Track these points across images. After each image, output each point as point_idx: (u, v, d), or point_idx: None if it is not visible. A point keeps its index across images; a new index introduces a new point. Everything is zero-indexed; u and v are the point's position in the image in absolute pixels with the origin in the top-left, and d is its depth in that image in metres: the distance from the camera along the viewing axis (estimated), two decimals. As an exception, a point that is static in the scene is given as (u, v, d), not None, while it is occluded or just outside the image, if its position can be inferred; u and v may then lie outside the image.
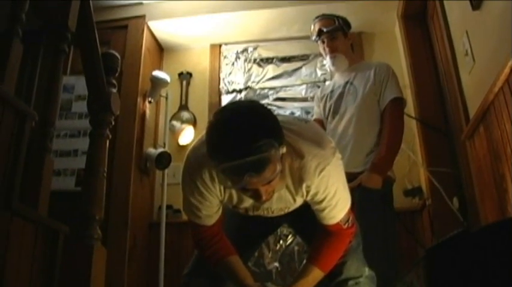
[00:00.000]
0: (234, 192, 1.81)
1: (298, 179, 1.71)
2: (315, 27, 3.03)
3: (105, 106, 2.28)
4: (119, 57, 2.45)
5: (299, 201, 1.84)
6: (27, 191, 1.84)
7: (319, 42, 3.02)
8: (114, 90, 2.37)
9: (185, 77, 4.58)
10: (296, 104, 4.40)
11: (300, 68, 4.50)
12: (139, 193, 4.04)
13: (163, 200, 4.04)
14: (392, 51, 4.38)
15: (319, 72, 4.44)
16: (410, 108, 3.97)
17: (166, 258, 3.86)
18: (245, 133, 1.45)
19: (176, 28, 4.56)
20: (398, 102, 2.78)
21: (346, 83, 2.92)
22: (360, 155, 2.76)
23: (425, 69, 3.85)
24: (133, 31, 4.43)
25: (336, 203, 1.77)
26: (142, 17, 4.46)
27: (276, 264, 3.87)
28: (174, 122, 4.39)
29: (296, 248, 3.84)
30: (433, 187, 3.43)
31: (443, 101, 3.68)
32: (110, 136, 2.33)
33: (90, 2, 2.19)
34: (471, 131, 2.46)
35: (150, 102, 4.30)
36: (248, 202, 1.84)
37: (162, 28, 4.58)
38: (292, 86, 4.47)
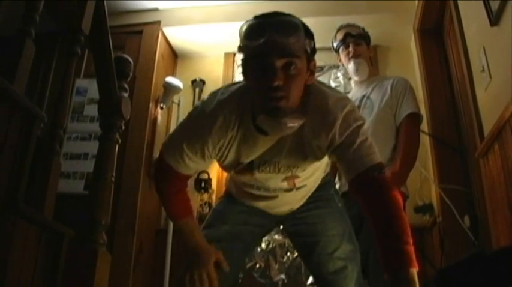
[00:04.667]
0: (243, 144, 1.72)
1: (325, 121, 1.64)
2: (340, 33, 2.98)
3: (115, 110, 2.27)
4: (131, 61, 2.44)
5: (311, 156, 1.75)
6: (33, 193, 1.83)
7: (341, 48, 2.94)
8: (126, 94, 2.36)
9: (198, 84, 4.57)
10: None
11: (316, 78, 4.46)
12: (148, 199, 4.03)
13: (172, 207, 4.01)
14: (408, 65, 4.35)
15: (333, 84, 4.41)
16: (423, 123, 3.91)
17: (172, 265, 3.85)
18: (278, 12, 1.57)
19: (191, 35, 4.57)
20: (415, 118, 2.73)
21: (363, 96, 2.87)
22: None
23: (440, 85, 3.81)
24: (148, 37, 4.44)
25: (367, 139, 1.66)
26: (158, 23, 4.48)
27: (283, 276, 3.83)
28: (186, 129, 4.37)
29: (303, 260, 3.80)
30: (444, 204, 3.38)
31: (458, 118, 3.64)
32: (120, 141, 2.32)
33: (105, 5, 2.18)
34: (485, 148, 2.42)
35: (162, 108, 4.30)
36: (256, 155, 1.75)
37: (177, 35, 4.59)
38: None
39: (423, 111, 3.91)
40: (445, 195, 3.37)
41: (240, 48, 1.62)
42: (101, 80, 2.27)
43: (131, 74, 2.44)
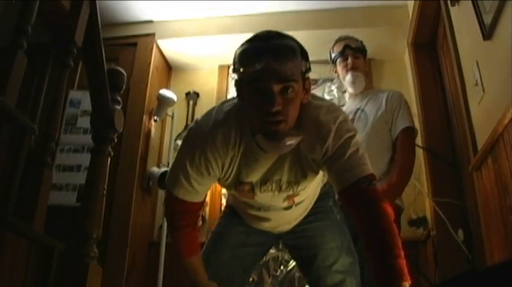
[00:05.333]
0: (244, 162, 1.72)
1: (320, 134, 1.65)
2: (338, 44, 2.99)
3: (108, 123, 2.25)
4: (125, 74, 2.42)
5: (310, 171, 1.75)
6: (23, 205, 1.80)
7: (339, 59, 2.96)
8: (119, 107, 2.34)
9: (192, 97, 4.57)
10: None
11: (311, 91, 4.47)
12: (141, 212, 4.01)
13: (165, 220, 3.99)
14: (401, 79, 4.36)
15: (327, 97, 4.41)
16: (417, 137, 3.94)
17: (165, 278, 3.83)
18: (273, 33, 1.57)
19: (185, 47, 4.58)
20: (410, 132, 2.75)
21: (357, 109, 2.88)
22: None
23: (434, 98, 3.82)
24: (142, 49, 4.45)
25: (359, 150, 1.66)
26: (152, 35, 4.49)
27: (276, 290, 3.81)
28: (179, 142, 4.36)
29: (297, 274, 3.78)
30: (438, 217, 3.37)
31: (451, 131, 3.64)
32: (112, 153, 2.29)
33: (99, 17, 2.17)
34: (479, 162, 2.41)
35: (155, 120, 4.29)
36: (258, 173, 1.76)
37: (171, 47, 4.59)
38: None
39: (417, 124, 3.91)
40: (439, 209, 3.36)
41: (235, 71, 1.62)
42: (93, 93, 2.26)
43: (124, 86, 2.42)
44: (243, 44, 1.59)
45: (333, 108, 1.75)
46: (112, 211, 3.81)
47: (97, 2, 2.16)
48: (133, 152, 4.04)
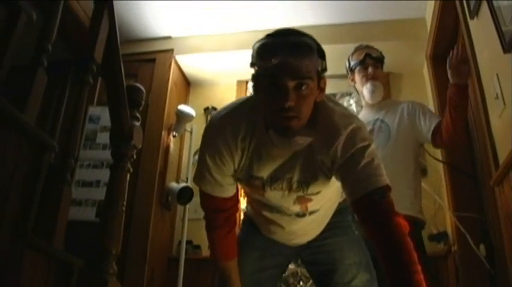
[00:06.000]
0: (256, 156, 1.74)
1: (329, 137, 1.66)
2: (359, 53, 2.99)
3: (127, 139, 2.27)
4: (143, 90, 2.45)
5: (321, 173, 1.74)
6: (43, 222, 1.81)
7: (358, 68, 2.95)
8: (138, 123, 2.36)
9: (211, 112, 4.57)
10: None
11: (332, 104, 4.46)
12: (160, 227, 4.02)
13: (184, 236, 4.00)
14: (420, 92, 4.33)
15: (355, 107, 4.40)
16: (437, 151, 3.90)
17: (184, 294, 3.81)
18: (292, 30, 1.59)
19: (203, 63, 4.61)
20: None
21: (376, 120, 2.87)
22: (398, 196, 2.69)
23: (454, 112, 3.78)
24: (161, 64, 4.48)
25: (374, 161, 1.64)
26: (171, 51, 4.52)
27: (296, 306, 3.78)
28: (198, 157, 4.37)
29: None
30: (459, 232, 3.32)
31: (472, 145, 3.60)
32: (131, 169, 2.31)
33: (118, 34, 2.19)
34: (500, 177, 2.37)
35: (174, 136, 4.31)
36: (269, 169, 1.77)
37: (189, 63, 4.63)
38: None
39: (436, 138, 3.89)
40: (460, 223, 3.31)
41: (253, 65, 1.65)
42: (112, 109, 2.28)
43: (143, 102, 2.44)
44: (261, 39, 1.61)
45: (348, 114, 1.75)
46: (131, 226, 3.82)
47: (116, 17, 2.17)
48: (152, 167, 4.06)
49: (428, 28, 4.04)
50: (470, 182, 3.53)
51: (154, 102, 4.29)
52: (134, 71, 4.47)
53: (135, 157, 2.33)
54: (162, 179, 4.11)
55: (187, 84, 4.87)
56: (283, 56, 1.50)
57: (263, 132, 1.69)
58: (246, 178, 1.83)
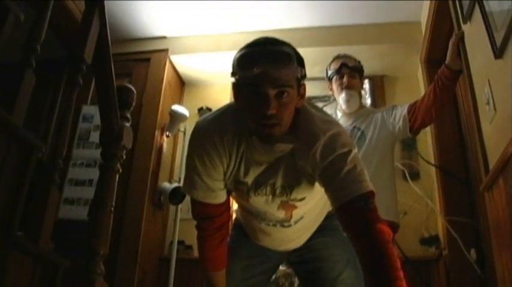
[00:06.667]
0: (243, 160, 1.76)
1: (308, 142, 1.67)
2: (335, 62, 3.03)
3: (116, 140, 2.26)
4: (134, 91, 2.44)
5: (303, 178, 1.75)
6: (29, 223, 1.81)
7: (335, 78, 3.00)
8: (128, 124, 2.36)
9: (205, 112, 4.54)
10: (314, 146, 4.33)
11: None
12: (151, 227, 4.01)
13: (175, 236, 4.00)
14: (415, 95, 4.25)
15: (339, 114, 4.38)
16: (430, 154, 3.91)
17: (175, 294, 3.81)
18: (271, 39, 1.62)
19: (198, 63, 4.60)
20: None
21: (354, 127, 2.92)
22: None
23: (447, 116, 3.77)
24: (156, 64, 4.47)
25: (357, 167, 1.63)
26: (165, 50, 4.52)
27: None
28: (192, 158, 4.36)
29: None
30: (450, 236, 3.33)
31: (465, 149, 3.60)
32: (120, 170, 2.30)
33: (108, 34, 2.18)
34: (490, 182, 2.37)
35: (167, 136, 4.30)
36: (253, 175, 1.78)
37: (184, 63, 4.62)
38: (312, 127, 4.40)
39: (429, 142, 3.90)
40: (452, 227, 3.32)
41: (233, 74, 1.66)
42: (102, 110, 2.27)
43: (134, 103, 2.43)
44: (241, 49, 1.63)
45: (327, 119, 1.76)
46: (122, 226, 3.82)
47: (107, 18, 2.17)
48: (145, 167, 4.05)
49: (423, 31, 4.04)
50: (462, 187, 3.54)
51: (148, 101, 4.28)
52: (129, 71, 4.47)
53: (124, 157, 2.32)
54: (154, 179, 4.11)
55: (182, 84, 4.86)
56: (264, 66, 1.52)
57: (247, 138, 1.71)
58: (232, 182, 1.84)
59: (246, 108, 1.64)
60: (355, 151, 1.70)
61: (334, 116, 4.23)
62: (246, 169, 1.77)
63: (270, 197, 1.83)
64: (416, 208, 3.68)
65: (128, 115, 2.38)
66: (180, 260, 3.94)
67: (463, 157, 3.62)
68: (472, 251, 3.17)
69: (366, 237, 1.55)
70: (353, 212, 1.59)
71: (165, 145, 4.29)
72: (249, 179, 1.80)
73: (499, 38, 2.24)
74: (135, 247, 3.79)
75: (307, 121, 1.71)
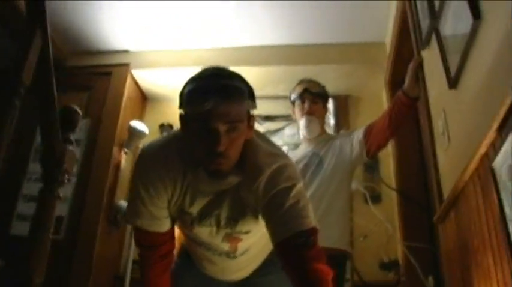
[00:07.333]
0: (188, 190, 1.71)
1: (252, 176, 1.64)
2: (299, 87, 3.02)
3: (58, 163, 2.16)
4: (79, 113, 2.34)
5: (248, 210, 1.72)
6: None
7: (297, 102, 3.00)
8: (71, 147, 2.26)
9: (166, 129, 4.47)
10: (275, 166, 4.28)
11: (283, 128, 4.44)
12: (107, 245, 3.91)
13: (130, 254, 3.90)
14: (378, 116, 4.29)
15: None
16: (391, 178, 3.87)
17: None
18: (221, 72, 1.56)
19: (161, 79, 4.53)
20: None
21: (313, 154, 2.90)
22: (326, 231, 2.69)
23: (409, 139, 3.76)
24: (117, 79, 4.39)
25: (300, 202, 1.60)
26: (127, 65, 4.42)
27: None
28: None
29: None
30: (408, 262, 3.29)
31: (426, 173, 3.57)
32: (61, 196, 2.20)
33: (51, 54, 2.08)
34: (443, 214, 2.33)
35: (126, 153, 4.20)
36: (198, 206, 1.73)
37: (146, 77, 4.55)
38: (273, 147, 4.34)
39: (391, 165, 3.87)
40: (410, 253, 3.28)
41: (181, 106, 1.61)
42: (43, 132, 2.17)
43: (79, 124, 2.34)
44: (190, 81, 1.58)
45: (274, 152, 1.72)
46: (77, 241, 3.73)
47: (49, 37, 2.07)
48: (101, 183, 3.96)
49: (388, 53, 4.02)
50: (422, 211, 3.50)
51: (108, 116, 4.19)
52: (90, 84, 4.39)
53: (66, 181, 2.22)
54: (111, 196, 4.01)
55: (144, 99, 4.78)
56: (215, 101, 1.47)
57: (193, 169, 1.66)
58: (177, 212, 1.79)
59: (194, 142, 1.59)
60: (300, 184, 1.67)
61: (297, 137, 4.24)
62: (191, 199, 1.73)
63: (215, 228, 1.78)
64: (376, 231, 3.63)
65: (72, 137, 2.28)
66: (135, 280, 3.83)
67: (424, 181, 3.59)
68: (430, 279, 3.13)
69: (303, 276, 1.52)
70: (291, 250, 1.55)
71: (123, 162, 4.20)
72: (194, 210, 1.75)
73: (453, 67, 2.19)
74: (89, 264, 3.69)
75: (252, 154, 1.67)
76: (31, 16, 2.07)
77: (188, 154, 1.67)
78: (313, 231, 1.58)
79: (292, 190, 1.60)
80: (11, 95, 1.94)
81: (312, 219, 1.61)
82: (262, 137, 1.81)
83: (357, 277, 3.54)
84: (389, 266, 3.69)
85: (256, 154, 1.67)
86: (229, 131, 1.52)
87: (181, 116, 1.65)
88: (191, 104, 1.54)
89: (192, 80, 1.58)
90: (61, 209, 3.74)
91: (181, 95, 1.60)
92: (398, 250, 3.70)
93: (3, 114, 1.95)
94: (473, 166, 1.85)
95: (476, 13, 1.83)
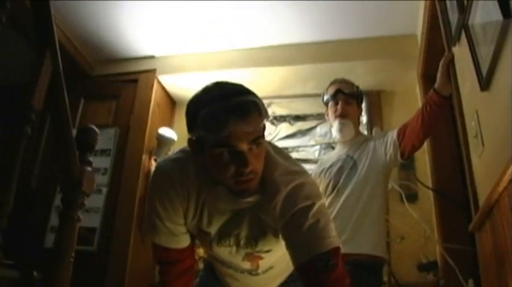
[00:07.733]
0: (205, 209, 1.67)
1: (269, 195, 1.58)
2: (332, 87, 2.94)
3: (76, 186, 2.13)
4: (97, 132, 2.30)
5: (270, 232, 1.66)
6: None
7: (330, 103, 2.92)
8: (89, 168, 2.22)
9: (197, 133, 4.42)
10: (308, 167, 4.18)
11: (315, 127, 4.33)
12: (140, 254, 3.89)
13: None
14: (413, 111, 4.11)
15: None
16: (427, 177, 3.73)
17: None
18: (234, 90, 1.48)
19: (188, 82, 4.48)
20: None
21: (347, 156, 2.79)
22: (361, 236, 2.60)
23: (445, 136, 3.60)
24: (144, 85, 4.36)
25: (320, 222, 1.52)
26: (153, 71, 4.39)
27: None
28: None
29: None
30: (447, 264, 3.15)
31: (464, 172, 3.40)
32: (81, 218, 2.17)
33: (62, 76, 2.04)
34: (478, 224, 2.20)
35: (155, 160, 4.16)
36: (216, 225, 1.69)
37: (173, 82, 4.51)
38: (305, 146, 4.26)
39: (427, 162, 3.72)
40: (449, 255, 3.15)
41: (192, 131, 1.53)
42: (60, 155, 2.14)
43: (96, 144, 2.30)
44: (201, 105, 1.47)
45: (291, 170, 1.65)
46: (110, 251, 3.73)
47: (60, 59, 2.03)
48: (132, 192, 3.94)
49: (419, 45, 3.86)
50: (461, 212, 3.35)
51: (136, 124, 4.17)
52: (117, 92, 4.37)
53: (86, 204, 2.18)
54: (142, 204, 3.98)
55: (173, 104, 4.74)
56: (234, 124, 1.40)
57: (211, 187, 1.60)
58: (195, 230, 1.76)
59: (215, 166, 1.52)
60: (320, 202, 1.59)
61: (329, 136, 4.13)
62: (208, 218, 1.68)
63: (234, 248, 1.73)
64: (413, 232, 3.51)
65: (90, 159, 2.24)
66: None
67: (462, 180, 3.43)
68: (470, 282, 3.00)
69: None
70: (312, 274, 1.47)
71: (153, 169, 4.16)
72: (212, 230, 1.71)
73: (484, 68, 2.05)
74: (122, 274, 3.68)
75: (270, 171, 1.60)
76: (40, 37, 2.04)
77: (203, 172, 1.62)
78: (334, 252, 1.50)
79: (311, 209, 1.53)
80: (22, 121, 1.91)
81: (334, 238, 1.54)
82: (280, 152, 1.75)
83: (394, 280, 3.43)
84: (427, 267, 3.57)
85: (273, 171, 1.61)
86: (252, 149, 1.48)
87: (192, 141, 1.56)
88: (210, 131, 1.44)
89: (203, 104, 1.48)
90: (94, 220, 3.75)
91: (192, 119, 1.51)
92: (437, 251, 3.56)
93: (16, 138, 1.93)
94: (507, 178, 1.72)
95: (506, 12, 1.70)
